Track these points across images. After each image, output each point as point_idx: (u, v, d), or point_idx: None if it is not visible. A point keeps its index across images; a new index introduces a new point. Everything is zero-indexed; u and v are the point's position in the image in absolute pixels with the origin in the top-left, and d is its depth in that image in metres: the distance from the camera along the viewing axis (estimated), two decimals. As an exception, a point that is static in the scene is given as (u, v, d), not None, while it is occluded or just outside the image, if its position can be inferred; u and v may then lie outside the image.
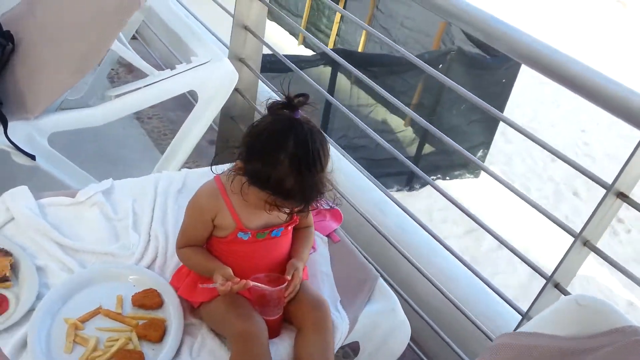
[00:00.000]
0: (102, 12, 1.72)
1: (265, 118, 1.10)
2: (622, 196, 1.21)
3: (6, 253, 1.22)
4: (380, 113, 5.37)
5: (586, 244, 1.26)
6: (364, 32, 6.12)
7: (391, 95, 1.86)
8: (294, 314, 1.22)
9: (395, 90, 4.73)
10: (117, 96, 1.81)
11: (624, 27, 11.36)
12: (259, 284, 1.15)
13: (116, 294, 1.22)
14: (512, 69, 4.52)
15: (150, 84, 1.83)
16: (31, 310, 1.14)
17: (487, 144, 4.51)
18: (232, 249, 1.21)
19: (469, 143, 4.59)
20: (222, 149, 2.34)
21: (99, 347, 1.11)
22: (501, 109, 4.63)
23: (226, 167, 1.20)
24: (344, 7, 6.16)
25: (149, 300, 1.23)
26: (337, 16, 6.47)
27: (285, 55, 2.35)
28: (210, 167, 1.20)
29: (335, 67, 4.37)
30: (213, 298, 1.19)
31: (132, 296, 1.23)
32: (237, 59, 2.07)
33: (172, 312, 1.21)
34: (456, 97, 4.36)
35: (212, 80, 1.91)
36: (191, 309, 1.24)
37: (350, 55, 4.86)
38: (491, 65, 4.42)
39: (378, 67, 4.40)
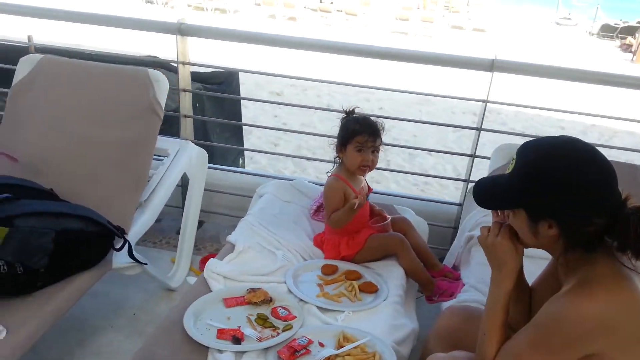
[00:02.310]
0: (134, 144, 2.21)
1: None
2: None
3: (255, 289, 1.84)
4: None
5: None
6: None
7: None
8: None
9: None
10: (147, 200, 2.32)
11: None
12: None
13: (316, 274, 2.00)
14: (235, 88, 5.69)
15: (161, 178, 2.39)
16: (301, 301, 1.84)
17: (241, 152, 5.52)
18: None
19: (232, 155, 5.56)
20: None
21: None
22: (238, 118, 5.71)
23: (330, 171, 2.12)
24: None
25: (332, 268, 2.04)
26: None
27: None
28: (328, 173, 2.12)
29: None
30: (364, 245, 2.08)
31: (322, 268, 2.02)
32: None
33: (351, 266, 2.06)
34: (213, 124, 5.25)
35: (192, 159, 2.55)
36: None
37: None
38: (223, 90, 5.49)
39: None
